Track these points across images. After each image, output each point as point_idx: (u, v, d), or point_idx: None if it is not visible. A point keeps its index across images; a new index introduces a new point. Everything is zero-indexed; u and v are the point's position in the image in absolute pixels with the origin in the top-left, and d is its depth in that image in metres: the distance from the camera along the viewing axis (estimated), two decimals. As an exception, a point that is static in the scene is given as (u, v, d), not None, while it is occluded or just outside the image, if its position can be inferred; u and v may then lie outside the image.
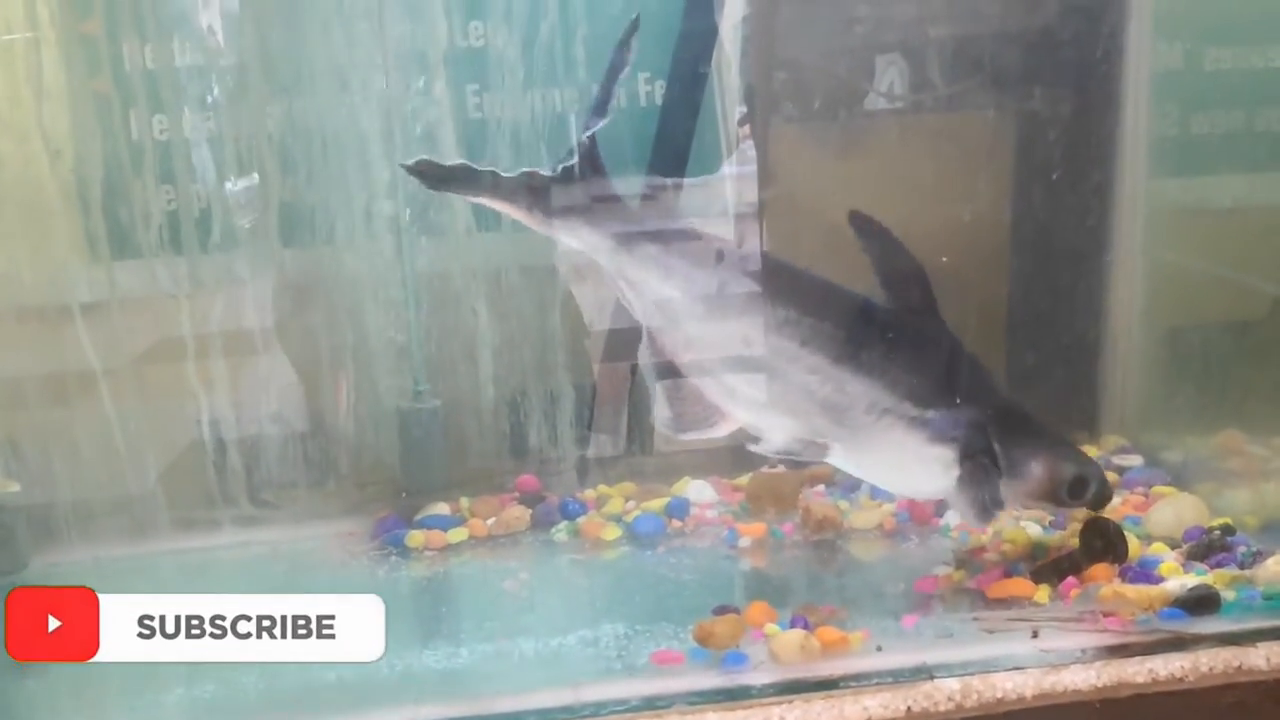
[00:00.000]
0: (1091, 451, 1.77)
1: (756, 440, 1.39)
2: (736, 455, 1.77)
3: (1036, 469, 1.35)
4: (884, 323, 1.37)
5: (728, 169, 1.62)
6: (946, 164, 1.74)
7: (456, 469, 1.72)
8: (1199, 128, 1.73)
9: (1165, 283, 1.74)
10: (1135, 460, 1.72)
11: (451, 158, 1.63)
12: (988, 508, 1.35)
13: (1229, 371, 1.66)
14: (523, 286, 1.72)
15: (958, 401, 1.35)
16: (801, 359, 1.35)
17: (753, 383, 1.37)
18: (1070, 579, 1.39)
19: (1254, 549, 1.44)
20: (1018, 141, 1.78)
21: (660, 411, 1.39)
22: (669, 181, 1.44)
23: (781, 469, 1.69)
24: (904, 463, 1.37)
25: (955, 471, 1.35)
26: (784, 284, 1.38)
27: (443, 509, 1.68)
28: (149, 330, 1.67)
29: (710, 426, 1.38)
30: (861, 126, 1.77)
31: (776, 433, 1.37)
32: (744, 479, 1.72)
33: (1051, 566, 1.41)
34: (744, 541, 1.58)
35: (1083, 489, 1.36)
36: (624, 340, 1.58)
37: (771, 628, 1.33)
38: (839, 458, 1.39)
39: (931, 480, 1.37)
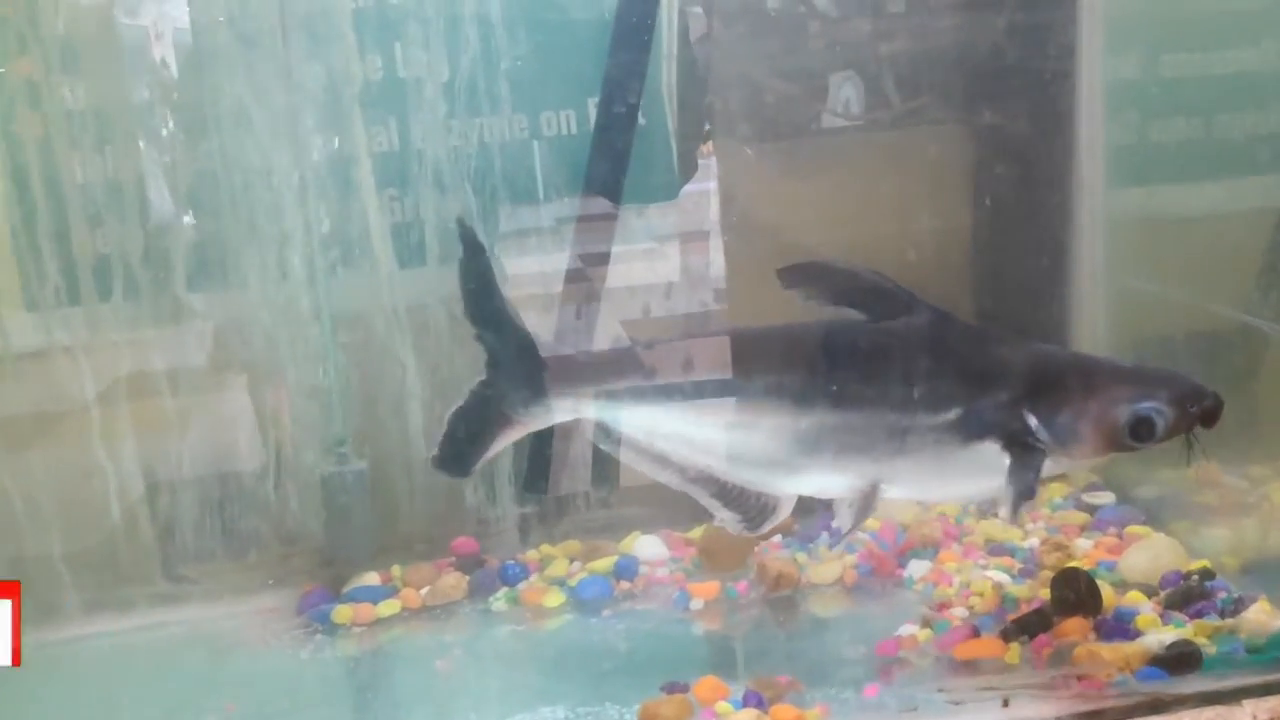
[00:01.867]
0: (1061, 489, 1.70)
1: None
2: (691, 506, 1.74)
3: (1085, 430, 1.19)
4: (864, 342, 1.26)
5: (690, 188, 1.59)
6: (904, 180, 1.67)
7: (387, 534, 1.61)
8: (1157, 136, 1.67)
9: (1129, 302, 1.67)
10: (1107, 498, 1.63)
11: (367, 194, 1.56)
12: (1035, 490, 1.21)
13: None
14: (453, 328, 1.62)
15: (974, 389, 1.21)
16: (801, 416, 1.23)
17: (772, 458, 1.25)
18: (1042, 636, 1.31)
19: (1235, 595, 1.36)
20: (976, 156, 1.73)
21: (725, 519, 1.28)
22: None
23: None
24: (953, 473, 1.24)
25: (1005, 459, 1.21)
26: (750, 352, 1.28)
27: (373, 579, 1.57)
28: (44, 388, 1.53)
29: (775, 512, 1.27)
30: (818, 145, 1.70)
31: (829, 491, 1.26)
32: (697, 532, 1.63)
33: (1022, 623, 1.32)
34: (696, 603, 1.48)
35: (1149, 428, 1.18)
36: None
37: (724, 706, 1.22)
38: (895, 493, 1.25)
39: (987, 480, 1.22)
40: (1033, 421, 1.19)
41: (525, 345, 1.30)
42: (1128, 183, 1.67)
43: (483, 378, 1.31)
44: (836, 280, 1.26)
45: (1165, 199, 1.64)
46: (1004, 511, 1.20)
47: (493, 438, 1.30)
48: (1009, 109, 1.70)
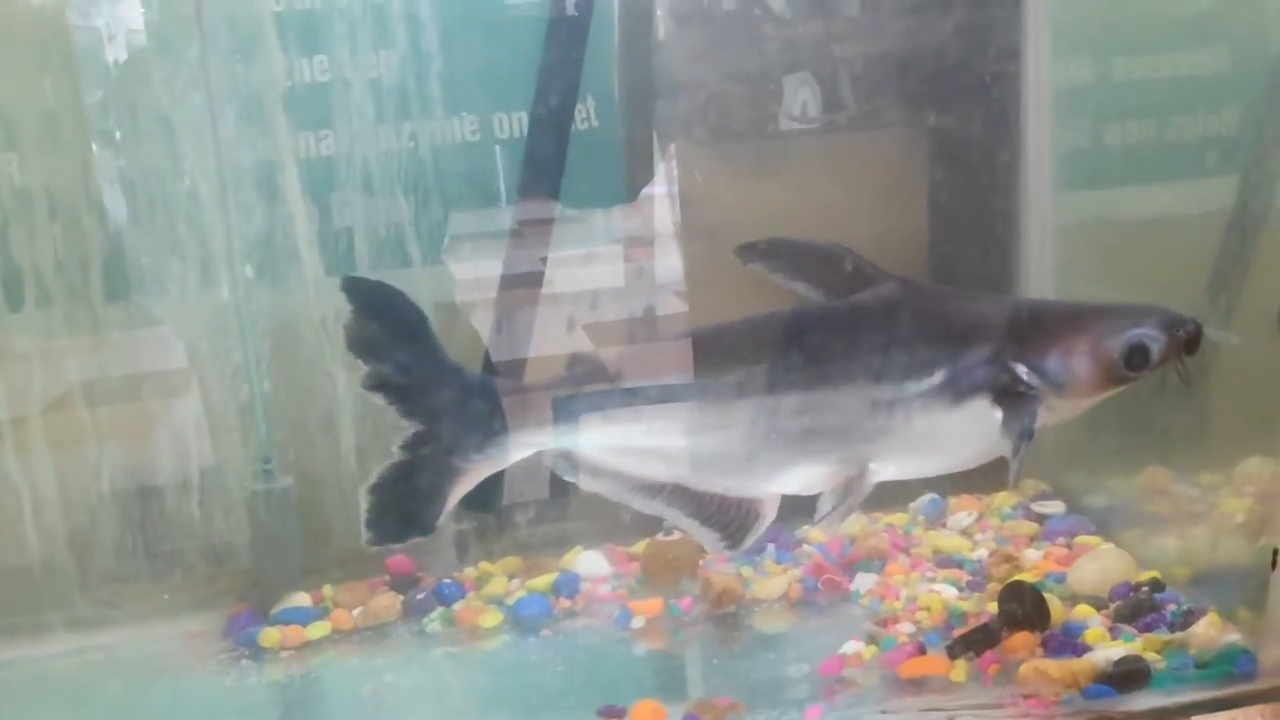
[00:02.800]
0: (1009, 500, 1.67)
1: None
2: (636, 519, 1.69)
3: (1079, 367, 1.16)
4: (833, 319, 1.22)
5: (653, 190, 1.54)
6: (859, 183, 1.63)
7: (319, 552, 1.54)
8: (1104, 139, 1.65)
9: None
10: (1057, 507, 1.60)
11: (293, 199, 1.50)
12: (1032, 434, 1.16)
13: (1150, 405, 1.57)
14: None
15: (955, 348, 1.17)
16: (778, 407, 1.18)
17: (752, 458, 1.20)
18: (989, 653, 1.28)
19: (1185, 607, 1.33)
20: (930, 160, 1.70)
21: (704, 539, 1.22)
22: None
23: (677, 535, 1.56)
24: (946, 441, 1.19)
25: (997, 415, 1.17)
26: (715, 349, 1.22)
27: (303, 600, 1.50)
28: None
29: (758, 520, 1.21)
30: (774, 147, 1.65)
31: (816, 484, 1.20)
32: (640, 546, 1.58)
33: (968, 639, 1.28)
34: (638, 622, 1.43)
35: (1143, 355, 1.16)
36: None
37: (661, 732, 1.19)
38: (887, 473, 1.20)
39: (982, 440, 1.18)
40: (1021, 369, 1.16)
41: (470, 387, 1.19)
42: (1076, 187, 1.65)
43: (412, 434, 1.18)
44: (795, 254, 1.22)
45: (1114, 203, 1.62)
46: (1012, 465, 1.15)
47: (445, 495, 1.19)
48: (961, 112, 1.67)
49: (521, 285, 1.52)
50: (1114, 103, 1.60)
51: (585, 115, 1.56)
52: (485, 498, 1.49)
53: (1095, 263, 1.60)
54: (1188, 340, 1.17)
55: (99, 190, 1.45)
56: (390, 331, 1.17)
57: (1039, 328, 1.18)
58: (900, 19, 1.69)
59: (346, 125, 1.48)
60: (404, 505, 1.20)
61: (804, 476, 1.20)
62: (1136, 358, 1.16)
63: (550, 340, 1.54)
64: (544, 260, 1.52)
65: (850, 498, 1.18)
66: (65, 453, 1.48)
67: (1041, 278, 1.67)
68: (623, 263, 1.58)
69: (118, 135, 1.44)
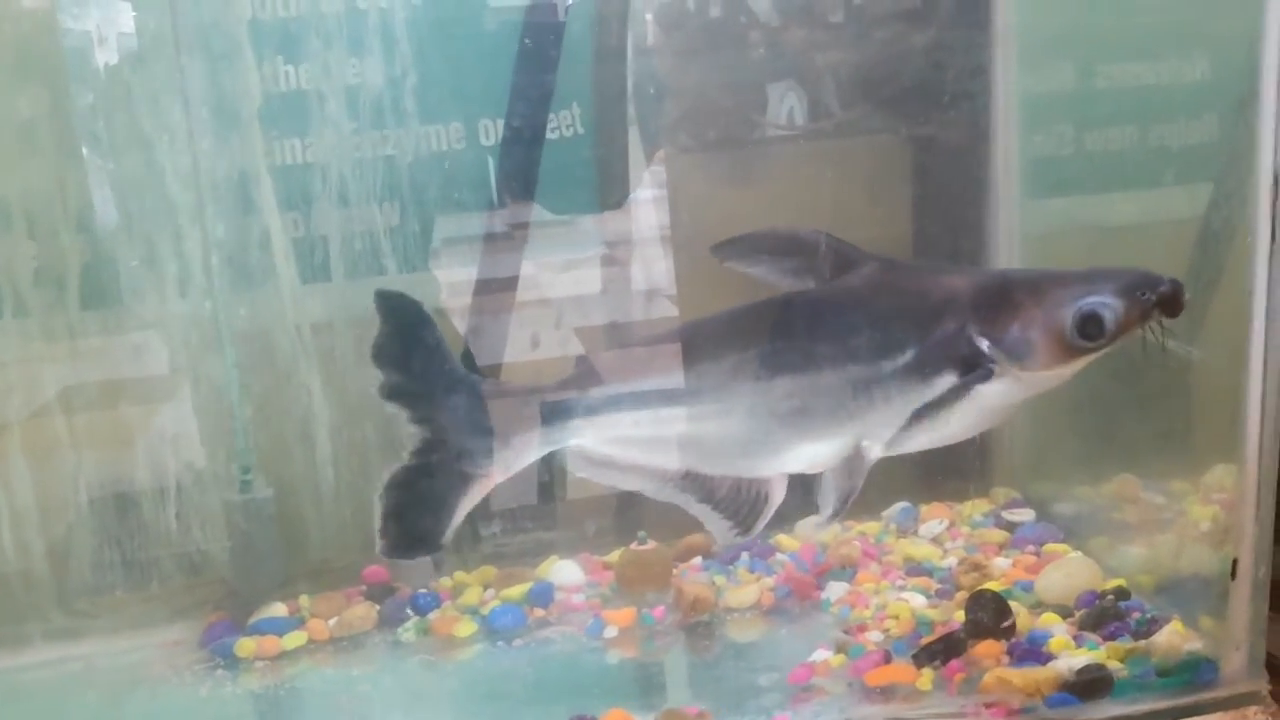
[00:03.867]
0: (981, 506, 1.69)
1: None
2: (610, 528, 1.70)
3: (1034, 339, 1.15)
4: (818, 302, 1.23)
5: (641, 194, 1.55)
6: (842, 190, 1.64)
7: (296, 562, 1.56)
8: (1071, 148, 1.67)
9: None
10: (1026, 515, 1.62)
11: (268, 208, 1.50)
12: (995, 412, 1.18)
13: (1120, 412, 1.59)
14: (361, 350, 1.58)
15: (924, 326, 1.18)
16: (770, 390, 1.20)
17: (754, 439, 1.22)
18: (954, 661, 1.29)
19: (1149, 615, 1.35)
20: (910, 167, 1.71)
21: (715, 529, 1.24)
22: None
23: (652, 545, 1.58)
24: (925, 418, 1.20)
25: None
26: (711, 338, 1.25)
27: (280, 610, 1.51)
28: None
29: (768, 503, 1.23)
30: (759, 153, 1.68)
31: (819, 462, 1.21)
32: (615, 555, 1.60)
33: (934, 648, 1.30)
34: (610, 631, 1.44)
35: (1096, 324, 1.14)
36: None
37: (630, 739, 1.20)
38: (879, 448, 1.21)
39: (964, 415, 1.19)
40: (984, 344, 1.15)
41: (481, 393, 1.21)
42: (1043, 195, 1.67)
43: (420, 441, 1.21)
44: (771, 245, 1.23)
45: (1081, 211, 1.64)
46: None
47: (457, 503, 1.22)
48: (939, 120, 1.70)
49: (503, 290, 1.54)
50: (1080, 112, 1.62)
51: (570, 122, 1.59)
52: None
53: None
54: (1161, 303, 1.14)
55: (75, 200, 1.45)
56: (408, 342, 1.21)
57: (1003, 300, 1.18)
58: (881, 28, 1.72)
59: (323, 133, 1.48)
60: (403, 520, 1.22)
61: (804, 455, 1.22)
62: (1090, 327, 1.14)
63: (536, 343, 1.56)
64: (520, 264, 1.54)
65: (849, 480, 1.20)
66: (42, 463, 1.49)
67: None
68: (605, 267, 1.60)
69: (88, 146, 1.43)
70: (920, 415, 1.16)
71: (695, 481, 1.25)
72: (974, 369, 1.15)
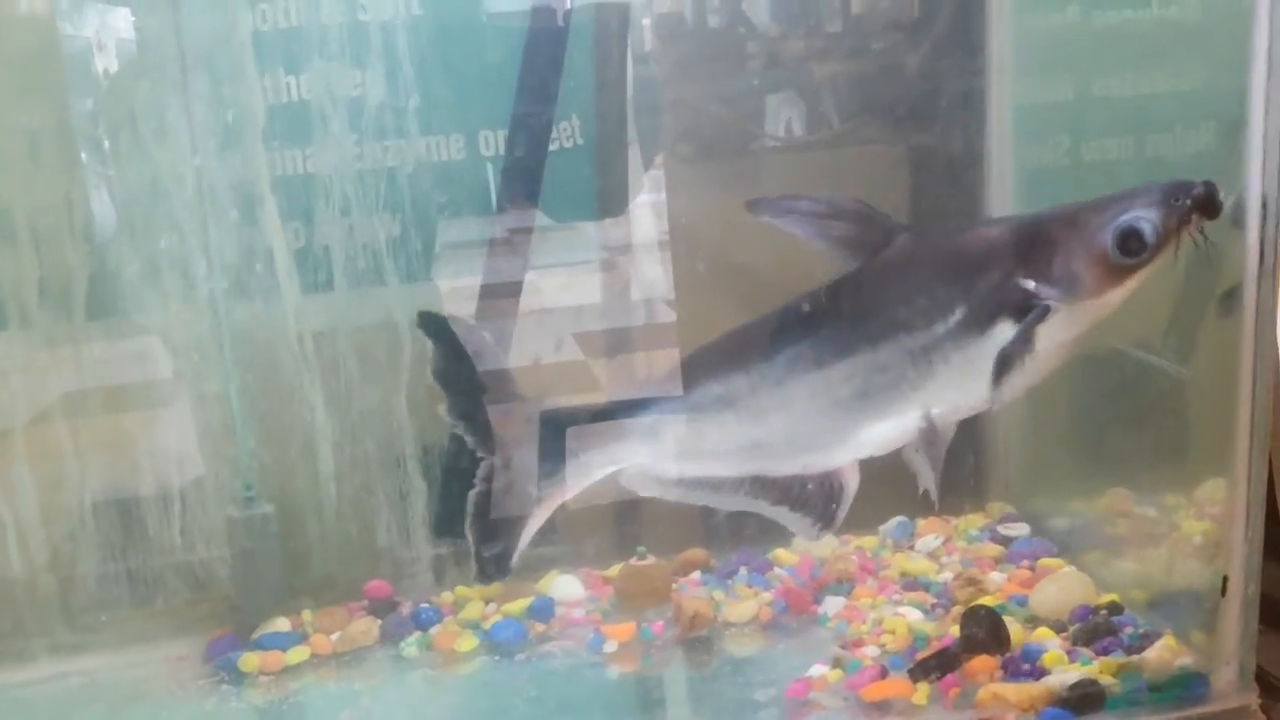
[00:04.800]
0: (976, 521, 1.71)
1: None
2: (611, 542, 1.72)
3: (1079, 268, 1.15)
4: (861, 281, 1.23)
5: (642, 198, 1.57)
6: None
7: (298, 577, 1.57)
8: (1064, 160, 1.69)
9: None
10: (1022, 529, 1.64)
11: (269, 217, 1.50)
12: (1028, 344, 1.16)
13: (1114, 427, 1.60)
14: (364, 364, 1.57)
15: (971, 281, 1.19)
16: (829, 376, 1.21)
17: (821, 429, 1.24)
18: (950, 676, 1.31)
19: (1141, 630, 1.37)
20: (907, 178, 1.73)
21: (797, 528, 1.26)
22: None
23: (652, 560, 1.59)
24: (986, 372, 1.19)
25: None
26: (762, 337, 1.26)
27: (283, 625, 1.52)
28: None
29: (843, 493, 1.25)
30: (756, 163, 1.70)
31: (889, 441, 1.22)
32: (615, 569, 1.61)
33: (930, 662, 1.31)
34: (610, 645, 1.46)
35: (1138, 238, 1.13)
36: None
37: (628, 755, 1.22)
38: (948, 412, 1.21)
39: (1034, 360, 1.18)
40: (1030, 284, 1.16)
41: (535, 412, 1.26)
42: (1039, 205, 1.69)
43: (486, 466, 1.25)
44: (810, 210, 1.24)
45: None
46: (993, 386, 1.15)
47: (524, 526, 1.27)
48: (933, 131, 1.72)
49: (509, 297, 1.55)
50: (1075, 122, 1.64)
51: (571, 132, 1.60)
52: (456, 524, 1.53)
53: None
54: (1197, 206, 1.13)
55: (74, 213, 1.46)
56: (465, 363, 1.25)
57: (1042, 239, 1.18)
58: (879, 38, 1.74)
59: (326, 143, 1.49)
60: (488, 544, 1.27)
61: (871, 438, 1.24)
62: (1132, 242, 1.14)
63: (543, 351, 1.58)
64: (524, 271, 1.55)
65: (933, 449, 1.21)
66: (46, 477, 1.50)
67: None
68: (603, 275, 1.62)
69: (86, 155, 1.45)
70: (999, 369, 1.15)
71: (764, 485, 1.26)
72: (1027, 312, 1.16)
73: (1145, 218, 1.14)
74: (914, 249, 1.24)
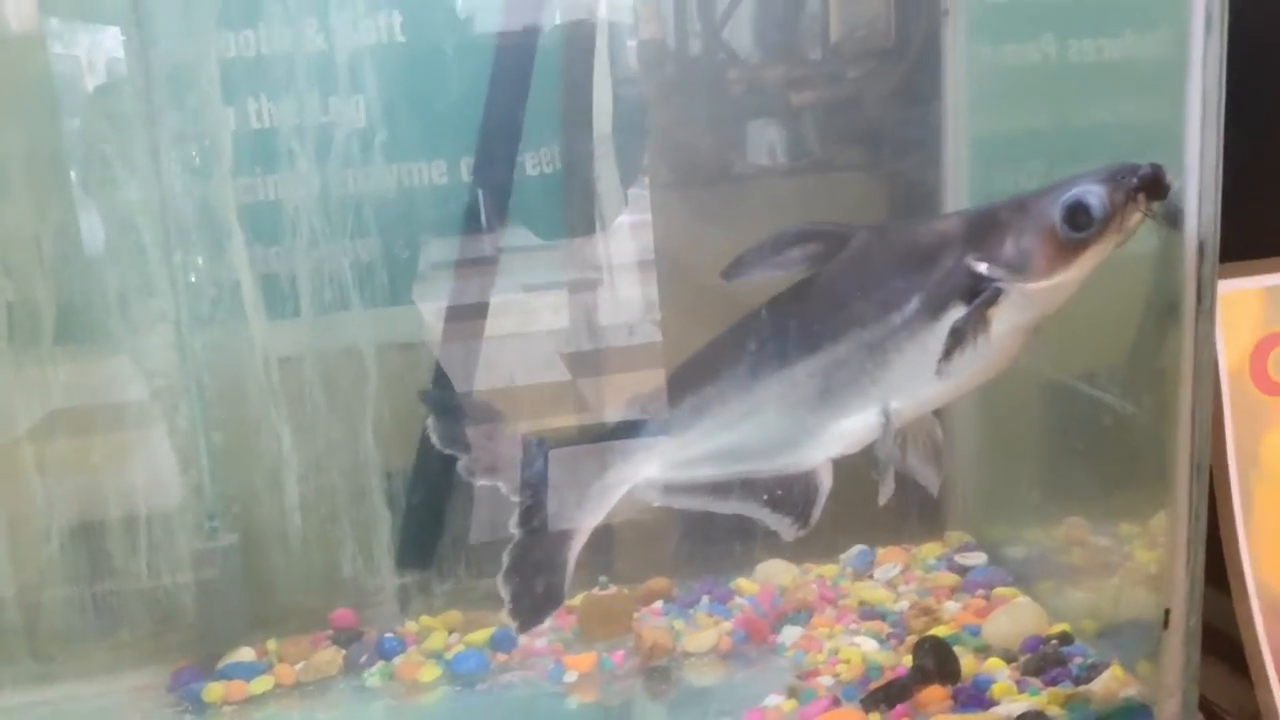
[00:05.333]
0: (935, 550, 1.73)
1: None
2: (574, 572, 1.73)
3: (1029, 245, 1.17)
4: (817, 284, 1.27)
5: (625, 218, 1.60)
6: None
7: (263, 606, 1.58)
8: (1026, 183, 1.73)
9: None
10: (979, 558, 1.67)
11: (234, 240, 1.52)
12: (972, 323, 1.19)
13: (1070, 457, 1.63)
14: (330, 392, 1.59)
15: (923, 270, 1.22)
16: (793, 379, 1.25)
17: (794, 429, 1.27)
18: (900, 706, 1.33)
19: (1090, 660, 1.40)
20: (885, 204, 1.77)
21: (779, 527, 1.29)
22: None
23: (613, 590, 1.61)
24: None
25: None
26: (732, 347, 1.30)
27: (247, 654, 1.54)
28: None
29: (818, 491, 1.28)
30: (733, 188, 1.73)
31: (855, 438, 1.25)
32: (577, 599, 1.63)
33: (881, 693, 1.34)
34: (570, 675, 1.48)
35: (1085, 212, 1.15)
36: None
37: (584, 786, 1.24)
38: (908, 408, 1.24)
39: (979, 349, 1.20)
40: (981, 267, 1.19)
41: (550, 453, 1.32)
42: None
43: (521, 510, 1.31)
44: (769, 254, 1.28)
45: None
46: (942, 361, 1.18)
47: (567, 557, 1.32)
48: (909, 159, 1.76)
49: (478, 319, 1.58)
50: (1024, 150, 1.67)
51: (551, 159, 1.62)
52: (419, 554, 1.55)
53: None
54: (1144, 185, 1.16)
55: (42, 241, 1.47)
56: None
57: (991, 223, 1.21)
58: (852, 67, 1.78)
59: (295, 170, 1.50)
60: (532, 589, 1.31)
61: (840, 435, 1.26)
62: (1080, 217, 1.16)
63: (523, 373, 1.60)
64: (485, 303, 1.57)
65: (886, 443, 1.24)
66: (11, 510, 1.52)
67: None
68: (574, 296, 1.63)
69: (58, 183, 1.46)
70: (948, 346, 1.18)
71: (751, 487, 1.30)
72: (979, 295, 1.18)
73: (1092, 192, 1.16)
74: (870, 246, 1.28)
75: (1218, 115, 1.17)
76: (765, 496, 1.30)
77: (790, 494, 1.29)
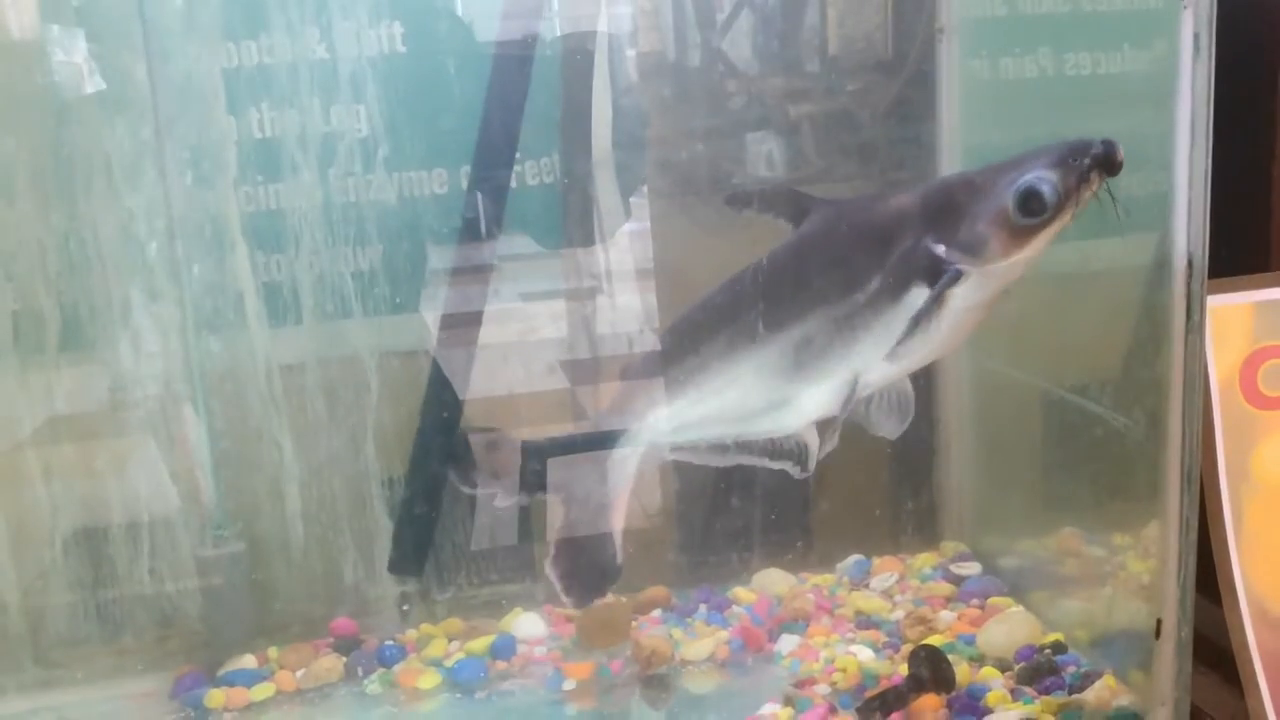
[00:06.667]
0: (930, 560, 1.75)
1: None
2: None
3: (983, 231, 1.18)
4: (783, 259, 1.30)
5: (628, 227, 1.61)
6: None
7: (265, 614, 1.60)
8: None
9: (994, 376, 1.72)
10: (974, 568, 1.68)
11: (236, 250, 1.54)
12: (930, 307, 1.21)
13: (1064, 466, 1.65)
14: (332, 402, 1.61)
15: (883, 250, 1.23)
16: (767, 350, 1.28)
17: (769, 402, 1.30)
18: (896, 715, 1.34)
19: (1084, 669, 1.41)
20: None
21: (785, 468, 1.33)
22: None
23: (611, 599, 1.63)
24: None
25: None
26: (704, 322, 1.33)
27: (249, 661, 1.55)
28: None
29: (808, 451, 1.32)
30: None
31: (831, 407, 1.28)
32: (576, 607, 1.65)
33: (877, 701, 1.35)
34: (569, 684, 1.49)
35: (1038, 199, 1.15)
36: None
37: (581, 793, 1.25)
38: (876, 376, 1.27)
39: (942, 324, 1.22)
40: (940, 249, 1.20)
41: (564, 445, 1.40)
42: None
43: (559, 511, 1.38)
44: (768, 200, 1.34)
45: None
46: (900, 340, 1.21)
47: (610, 532, 1.37)
48: (904, 171, 1.77)
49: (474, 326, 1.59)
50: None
51: (551, 168, 1.63)
52: (410, 562, 1.56)
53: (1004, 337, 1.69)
54: (1096, 164, 1.15)
55: (43, 251, 1.48)
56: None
57: (949, 204, 1.22)
58: (850, 79, 1.80)
59: (298, 178, 1.52)
60: (583, 559, 1.38)
61: (813, 403, 1.29)
62: (1032, 203, 1.16)
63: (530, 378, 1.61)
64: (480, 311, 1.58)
65: (838, 415, 1.28)
66: (14, 516, 1.53)
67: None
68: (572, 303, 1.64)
69: (59, 191, 1.47)
70: (909, 331, 1.20)
71: (747, 444, 1.35)
72: (939, 276, 1.20)
73: (1045, 179, 1.17)
74: (832, 222, 1.30)
75: (1206, 136, 1.19)
76: (763, 450, 1.35)
77: (786, 447, 1.34)
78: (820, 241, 1.29)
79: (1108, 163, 1.16)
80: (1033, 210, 1.17)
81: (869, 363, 1.25)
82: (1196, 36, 1.17)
